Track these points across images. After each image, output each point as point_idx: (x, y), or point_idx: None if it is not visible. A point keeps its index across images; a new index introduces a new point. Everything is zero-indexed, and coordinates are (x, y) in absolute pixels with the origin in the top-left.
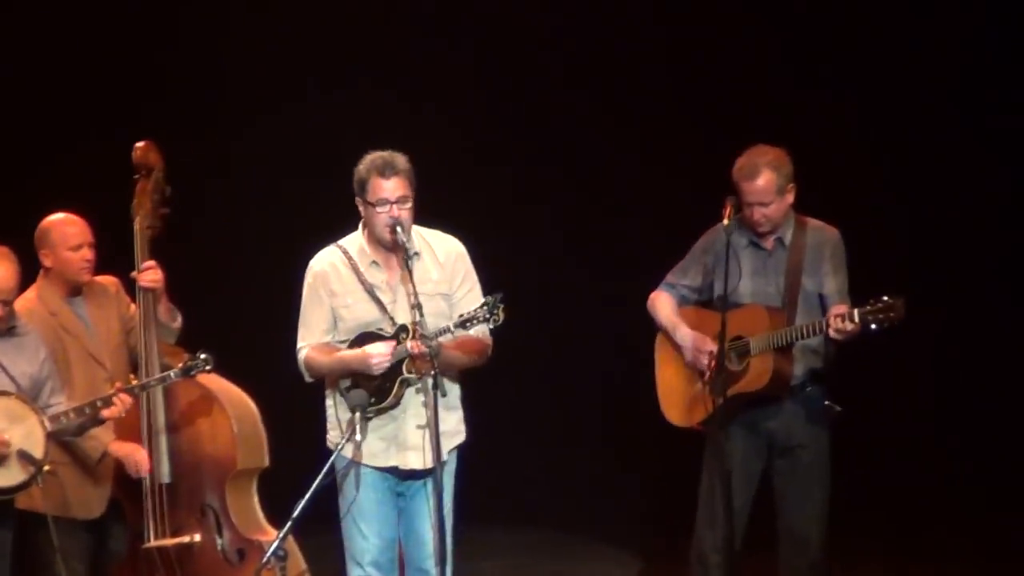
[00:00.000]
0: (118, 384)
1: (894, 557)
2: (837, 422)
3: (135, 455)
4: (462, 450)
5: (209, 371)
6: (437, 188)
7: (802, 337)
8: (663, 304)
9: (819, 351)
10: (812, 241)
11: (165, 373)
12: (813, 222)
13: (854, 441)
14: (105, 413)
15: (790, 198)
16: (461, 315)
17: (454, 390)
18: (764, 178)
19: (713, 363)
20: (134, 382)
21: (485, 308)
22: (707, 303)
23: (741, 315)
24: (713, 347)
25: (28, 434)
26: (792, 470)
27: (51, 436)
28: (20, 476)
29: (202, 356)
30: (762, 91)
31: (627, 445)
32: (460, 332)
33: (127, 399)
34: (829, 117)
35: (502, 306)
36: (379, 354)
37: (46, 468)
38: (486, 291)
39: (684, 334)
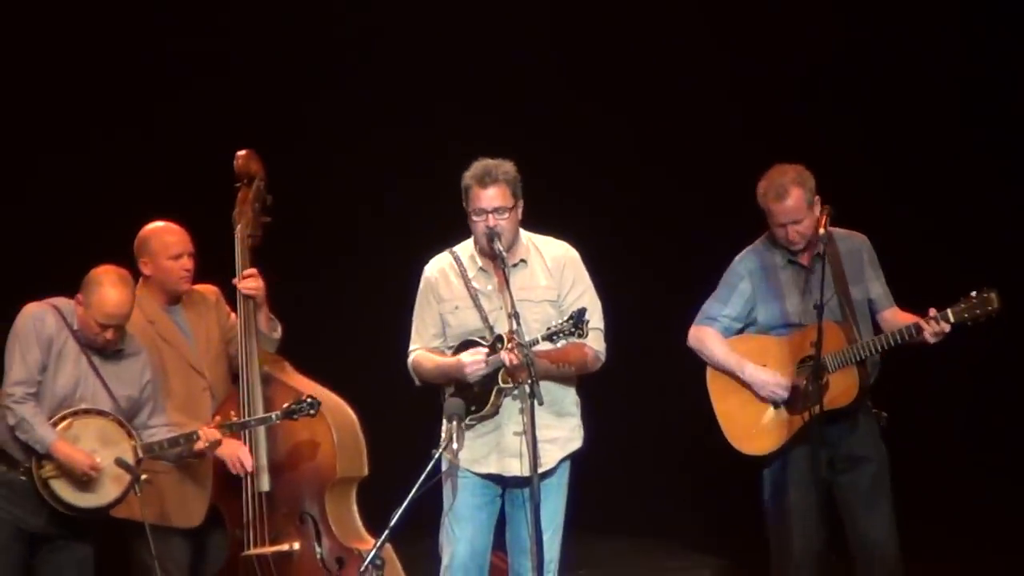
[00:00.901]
0: (218, 418)
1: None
2: (886, 429)
3: (236, 452)
4: (576, 458)
5: (313, 415)
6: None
7: (888, 347)
8: (713, 340)
9: (877, 359)
10: (845, 249)
11: (267, 415)
12: (837, 231)
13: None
14: (197, 447)
15: (818, 210)
16: (549, 327)
17: (567, 396)
18: (793, 196)
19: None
20: (233, 418)
21: (570, 322)
22: (741, 330)
23: (807, 335)
24: (788, 382)
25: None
26: (858, 484)
27: (142, 462)
28: (112, 495)
29: (307, 400)
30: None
31: (723, 453)
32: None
33: (214, 434)
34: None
35: (588, 321)
36: (473, 362)
37: (144, 477)
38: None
39: (753, 372)
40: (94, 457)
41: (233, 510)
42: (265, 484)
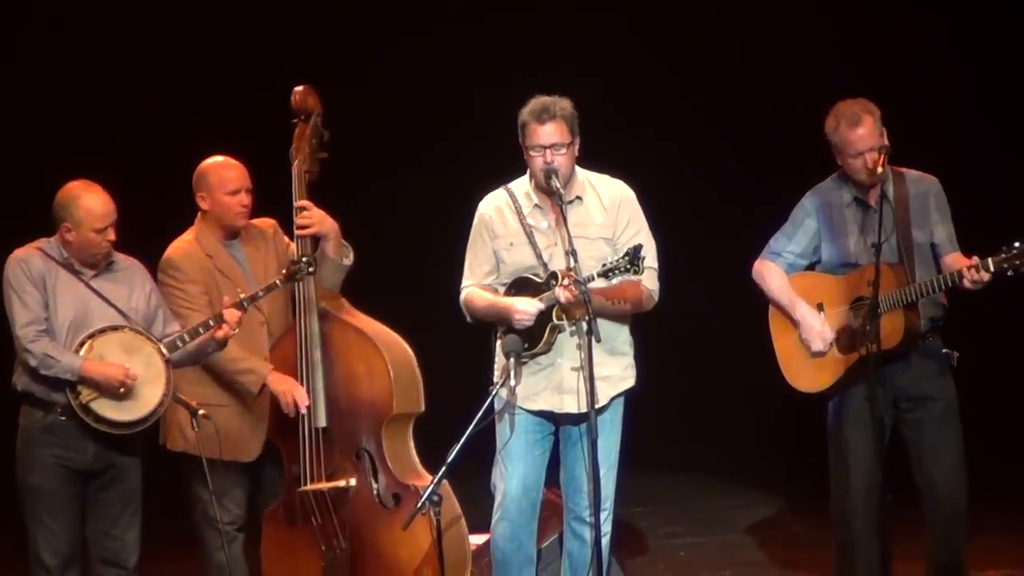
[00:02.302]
0: (226, 299)
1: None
2: (957, 369)
3: (293, 392)
4: (631, 397)
5: (312, 272)
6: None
7: (933, 291)
8: (772, 275)
9: (938, 301)
10: (914, 191)
11: (271, 282)
12: (911, 172)
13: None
14: (219, 334)
15: (887, 141)
16: (604, 264)
17: (621, 335)
18: (866, 122)
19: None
20: (242, 296)
21: (626, 258)
22: (811, 267)
23: (862, 275)
24: (831, 336)
25: (147, 364)
26: (923, 423)
27: (170, 363)
28: (154, 399)
29: (304, 260)
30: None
31: (777, 392)
32: (619, 278)
33: (236, 314)
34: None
35: (643, 258)
36: (522, 311)
37: (201, 412)
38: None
39: (804, 313)
40: (125, 366)
41: (290, 446)
42: (322, 420)
